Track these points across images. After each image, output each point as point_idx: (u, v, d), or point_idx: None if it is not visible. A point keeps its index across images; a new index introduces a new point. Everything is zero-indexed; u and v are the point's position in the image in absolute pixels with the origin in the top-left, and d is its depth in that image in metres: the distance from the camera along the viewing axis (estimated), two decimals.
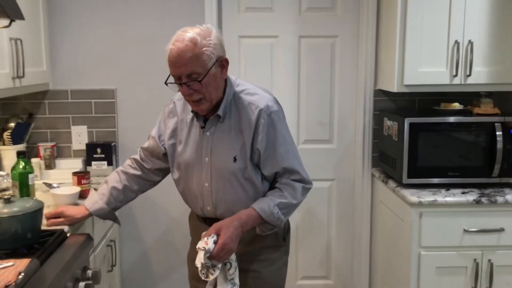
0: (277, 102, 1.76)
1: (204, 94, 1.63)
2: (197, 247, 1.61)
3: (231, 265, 1.67)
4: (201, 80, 1.59)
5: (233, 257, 1.67)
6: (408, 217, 2.34)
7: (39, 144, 2.70)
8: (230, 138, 1.70)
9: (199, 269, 1.62)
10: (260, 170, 1.73)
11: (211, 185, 1.73)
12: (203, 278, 1.64)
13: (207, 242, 1.60)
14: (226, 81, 1.71)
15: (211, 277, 1.63)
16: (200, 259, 1.59)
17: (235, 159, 1.69)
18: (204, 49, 1.58)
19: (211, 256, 1.60)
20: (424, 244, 2.30)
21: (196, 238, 1.91)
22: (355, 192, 2.96)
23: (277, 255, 1.82)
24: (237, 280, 1.68)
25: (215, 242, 1.60)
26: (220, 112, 1.69)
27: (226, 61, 1.66)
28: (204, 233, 1.65)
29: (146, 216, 2.92)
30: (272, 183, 1.77)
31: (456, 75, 2.46)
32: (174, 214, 2.89)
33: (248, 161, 1.69)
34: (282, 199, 1.70)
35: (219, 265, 1.63)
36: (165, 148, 1.82)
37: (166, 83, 1.65)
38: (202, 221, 1.83)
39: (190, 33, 1.59)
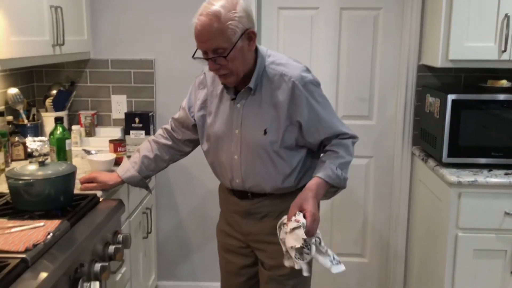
0: (309, 71, 1.71)
1: (231, 68, 1.60)
2: (287, 230, 1.55)
3: (320, 239, 1.61)
4: (227, 55, 1.56)
5: (318, 230, 1.62)
6: (446, 197, 2.25)
7: (80, 112, 2.77)
8: (261, 111, 1.68)
9: (293, 254, 1.54)
10: (296, 144, 1.70)
11: (241, 157, 1.72)
12: (298, 263, 1.55)
13: (298, 220, 1.54)
14: (256, 52, 1.68)
15: (308, 257, 1.57)
16: (299, 237, 1.52)
17: (265, 132, 1.67)
18: (229, 23, 1.54)
19: (306, 231, 1.54)
20: (462, 225, 2.22)
21: (225, 209, 1.92)
22: (393, 171, 2.88)
23: None
24: (331, 251, 1.62)
25: (304, 217, 1.55)
26: (251, 84, 1.66)
27: (254, 33, 1.62)
28: (283, 218, 1.60)
29: (182, 187, 2.95)
30: (317, 150, 1.75)
31: (505, 51, 2.33)
32: (210, 186, 2.90)
33: (280, 135, 1.67)
34: (340, 159, 1.68)
35: (313, 240, 1.57)
36: (194, 119, 1.82)
37: (193, 57, 1.64)
38: (231, 193, 1.83)
39: (215, 6, 1.54)
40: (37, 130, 2.52)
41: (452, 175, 2.22)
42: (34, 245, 1.35)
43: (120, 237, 1.79)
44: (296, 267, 1.59)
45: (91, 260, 1.55)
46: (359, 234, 2.98)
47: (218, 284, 2.96)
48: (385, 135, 2.87)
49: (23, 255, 1.30)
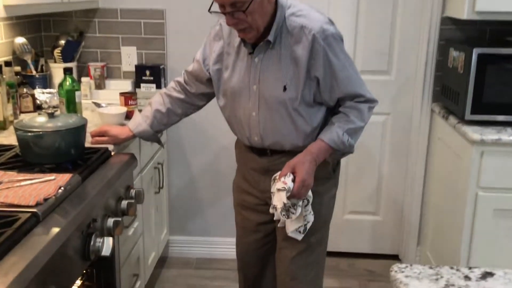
0: (332, 23, 1.61)
1: (250, 23, 1.51)
2: (275, 189, 1.55)
3: (308, 202, 1.61)
4: (246, 9, 1.47)
5: (310, 193, 1.61)
6: (468, 156, 2.18)
7: (90, 63, 2.68)
8: (280, 65, 1.59)
9: (279, 210, 1.55)
10: (314, 101, 1.62)
11: (259, 115, 1.64)
12: (283, 219, 1.59)
13: (285, 182, 1.53)
14: (276, 3, 1.57)
15: (293, 217, 1.58)
16: (281, 199, 1.53)
17: (284, 88, 1.59)
18: None
19: (291, 195, 1.54)
20: (482, 184, 2.15)
21: (242, 165, 1.86)
22: (411, 128, 2.80)
23: (326, 187, 1.75)
24: (310, 217, 1.63)
25: (293, 181, 1.54)
26: (270, 37, 1.57)
27: None
28: (277, 174, 1.59)
29: (194, 142, 2.90)
30: (334, 108, 1.67)
31: None
32: (223, 141, 2.85)
33: (300, 91, 1.58)
34: (350, 124, 1.61)
35: (300, 203, 1.58)
36: (209, 73, 1.74)
37: (209, 11, 1.54)
38: (249, 150, 1.77)
39: None
40: (46, 82, 2.45)
41: (475, 132, 2.14)
42: (45, 199, 1.30)
43: (132, 192, 1.75)
44: (275, 217, 1.62)
45: (104, 215, 1.51)
46: (374, 192, 2.93)
47: (230, 239, 2.96)
48: (404, 91, 2.77)
49: (34, 210, 1.25)
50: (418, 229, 2.88)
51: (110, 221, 1.51)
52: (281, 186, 1.53)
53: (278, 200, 1.54)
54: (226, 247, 2.96)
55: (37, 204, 1.28)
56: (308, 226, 1.64)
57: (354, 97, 1.63)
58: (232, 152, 2.84)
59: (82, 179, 1.52)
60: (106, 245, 1.41)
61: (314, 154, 1.58)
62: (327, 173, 1.74)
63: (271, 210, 1.63)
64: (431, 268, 1.08)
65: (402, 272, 1.06)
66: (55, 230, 1.23)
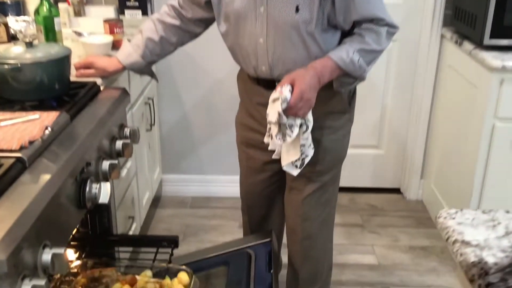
0: None
1: None
2: (271, 99, 1.36)
3: (307, 128, 1.42)
4: None
5: (310, 117, 1.41)
6: (485, 84, 2.03)
7: None
8: None
9: (273, 130, 1.39)
10: (328, 24, 1.42)
11: (267, 41, 1.44)
12: (278, 144, 1.42)
13: (281, 91, 1.34)
14: None
15: (289, 140, 1.40)
16: (275, 110, 1.34)
17: (297, 9, 1.37)
18: None
19: (288, 108, 1.34)
20: (501, 115, 2.02)
21: (247, 100, 1.67)
22: (419, 55, 2.62)
23: (341, 122, 1.59)
24: (309, 150, 1.46)
25: (291, 92, 1.34)
26: None
27: None
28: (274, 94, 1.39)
29: (186, 75, 2.69)
30: (349, 32, 1.47)
31: None
32: (218, 75, 2.65)
33: (315, 13, 1.37)
34: (363, 45, 1.41)
35: (298, 122, 1.39)
36: None
37: None
38: (255, 82, 1.58)
39: None
40: (19, 9, 2.19)
41: (494, 59, 1.98)
42: (30, 142, 1.12)
43: (127, 130, 1.57)
44: (270, 147, 1.47)
45: (98, 157, 1.33)
46: (376, 125, 2.79)
47: (227, 177, 2.84)
48: (411, 15, 2.56)
49: (18, 154, 1.07)
50: (422, 162, 2.78)
51: (106, 164, 1.34)
52: (276, 96, 1.35)
53: (273, 112, 1.36)
54: (222, 185, 2.83)
55: (22, 148, 1.10)
56: (306, 160, 1.47)
57: (373, 20, 1.43)
58: (228, 85, 2.66)
59: (70, 117, 1.33)
60: (104, 191, 1.24)
61: (317, 70, 1.38)
62: (341, 106, 1.57)
63: (265, 139, 1.48)
64: (484, 213, 0.95)
65: (453, 218, 0.93)
66: (45, 177, 1.06)
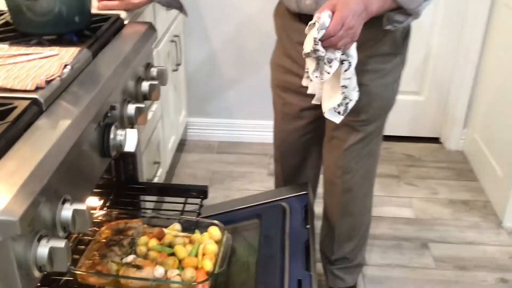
0: None
1: None
2: (307, 28, 1.18)
3: (349, 65, 1.21)
4: None
5: (353, 52, 1.21)
6: None
7: None
8: None
9: (308, 63, 1.22)
10: None
11: None
12: (315, 80, 1.24)
13: (319, 17, 1.15)
14: None
15: (327, 77, 1.20)
16: (312, 36, 1.15)
17: None
18: None
19: (326, 35, 1.14)
20: None
21: (285, 39, 1.49)
22: None
23: (391, 65, 1.41)
24: (353, 93, 1.26)
25: (331, 18, 1.14)
26: None
27: None
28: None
29: (214, 11, 2.50)
30: None
31: None
32: (248, 9, 2.45)
33: None
34: None
35: (337, 56, 1.18)
36: None
37: None
38: (296, 19, 1.40)
39: None
40: None
41: None
42: (47, 82, 0.99)
43: (154, 71, 1.42)
44: (309, 90, 1.33)
45: (123, 100, 1.20)
46: (418, 69, 2.59)
47: (256, 122, 2.69)
48: None
49: (34, 95, 0.94)
50: (465, 110, 2.59)
51: (131, 108, 1.21)
52: (313, 21, 1.15)
53: (308, 41, 1.17)
54: (251, 130, 2.70)
55: (37, 89, 0.96)
56: (350, 105, 1.28)
57: None
58: (259, 22, 2.46)
59: (92, 54, 1.19)
60: (130, 138, 1.12)
61: None
62: (393, 47, 1.39)
63: (304, 82, 1.33)
64: None
65: None
66: (65, 122, 0.93)
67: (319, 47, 1.15)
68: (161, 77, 1.42)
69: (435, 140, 2.75)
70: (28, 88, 0.95)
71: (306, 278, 1.28)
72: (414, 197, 2.32)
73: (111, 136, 1.08)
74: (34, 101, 0.93)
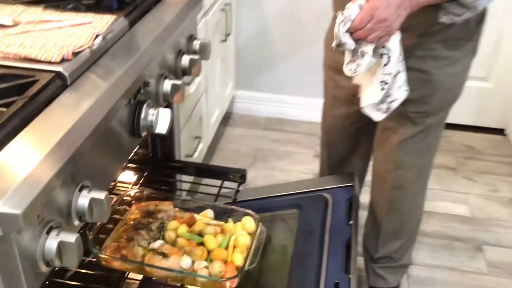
0: None
1: None
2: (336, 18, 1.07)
3: (389, 59, 1.10)
4: None
5: (394, 46, 1.09)
6: None
7: None
8: None
9: (346, 53, 1.11)
10: None
11: None
12: (348, 74, 1.14)
13: (348, 7, 1.06)
14: None
15: (359, 70, 1.10)
16: (337, 28, 1.07)
17: None
18: None
19: (352, 28, 1.05)
20: None
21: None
22: None
23: (461, 53, 1.25)
24: (398, 92, 1.13)
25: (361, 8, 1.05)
26: None
27: None
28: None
29: None
30: None
31: None
32: None
33: None
34: None
35: (369, 50, 1.08)
36: None
37: None
38: None
39: None
40: None
41: None
42: (75, 54, 0.90)
43: (196, 44, 1.32)
44: (354, 80, 1.21)
45: (159, 76, 1.11)
46: (488, 53, 2.37)
47: (306, 99, 2.56)
48: None
49: (58, 68, 0.86)
50: None
51: (168, 85, 1.11)
52: (341, 12, 1.07)
53: (336, 33, 1.09)
54: (300, 107, 2.58)
55: (63, 60, 0.88)
56: (395, 105, 1.16)
57: None
58: None
59: (129, 23, 1.09)
60: (163, 118, 1.03)
61: None
62: (465, 31, 1.22)
63: (345, 70, 1.16)
64: None
65: None
66: (91, 98, 0.85)
67: (347, 39, 1.07)
68: (204, 51, 1.32)
69: (500, 131, 2.53)
70: (53, 59, 0.87)
71: (344, 281, 1.17)
72: (471, 193, 2.15)
73: (142, 115, 1.00)
74: (58, 75, 0.86)
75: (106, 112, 0.86)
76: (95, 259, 1.09)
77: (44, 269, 0.71)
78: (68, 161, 0.73)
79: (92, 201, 0.79)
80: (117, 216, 1.21)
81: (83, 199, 0.78)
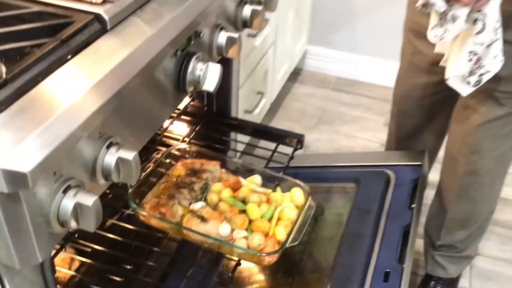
0: None
1: None
2: None
3: (484, 26, 0.95)
4: None
5: (492, 11, 0.93)
6: None
7: None
8: None
9: (432, 15, 0.97)
10: None
11: None
12: (433, 40, 0.99)
13: None
14: None
15: (448, 37, 0.97)
16: None
17: None
18: None
19: None
20: None
21: None
22: None
23: None
24: (492, 63, 0.99)
25: None
26: None
27: None
28: None
29: None
30: None
31: None
32: None
33: None
34: None
35: (463, 14, 0.93)
36: None
37: None
38: None
39: None
40: None
41: None
42: None
43: None
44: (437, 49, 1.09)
45: (215, 26, 1.01)
46: None
47: (381, 61, 2.37)
48: None
49: (98, 10, 0.78)
50: None
51: (223, 37, 1.01)
52: None
53: None
54: (375, 69, 2.40)
55: (105, 2, 0.80)
56: (486, 77, 1.01)
57: None
58: None
59: None
60: (211, 75, 0.93)
61: None
62: None
63: (428, 35, 1.03)
64: None
65: None
66: (132, 44, 0.77)
67: (441, 7, 0.93)
68: (269, 1, 1.19)
69: None
70: (93, 1, 0.79)
71: (396, 271, 1.06)
72: None
73: (189, 69, 0.91)
74: (97, 17, 0.78)
75: (147, 62, 0.77)
76: (133, 213, 1.05)
77: (59, 230, 0.66)
78: (95, 114, 0.66)
79: (120, 160, 0.72)
80: (162, 170, 1.15)
81: (110, 157, 0.71)
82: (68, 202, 0.65)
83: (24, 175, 0.56)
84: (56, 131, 0.61)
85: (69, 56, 0.71)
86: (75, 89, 0.67)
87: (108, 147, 0.72)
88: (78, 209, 0.65)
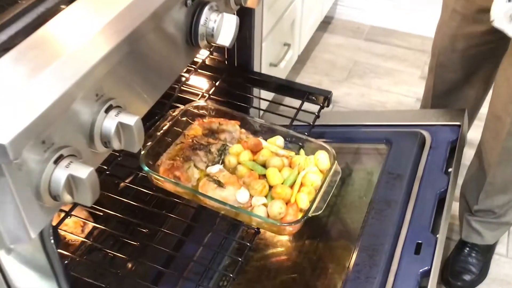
0: None
1: None
2: None
3: None
4: None
5: None
6: None
7: None
8: None
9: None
10: None
11: None
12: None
13: None
14: None
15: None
16: None
17: None
18: None
19: None
20: None
21: None
22: None
23: None
24: None
25: None
26: None
27: None
28: None
29: None
30: None
31: None
32: None
33: None
34: None
35: None
36: None
37: None
38: None
39: None
40: None
41: None
42: None
43: None
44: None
45: None
46: None
47: (420, 8, 2.19)
48: None
49: None
50: None
51: None
52: None
53: None
54: (413, 17, 2.23)
55: None
56: None
57: None
58: None
59: None
60: (227, 27, 0.84)
61: None
62: None
63: None
64: None
65: None
66: None
67: None
68: None
69: None
70: None
71: (429, 242, 0.98)
72: None
73: (202, 20, 0.81)
74: None
75: (151, 13, 0.69)
76: (146, 175, 0.99)
77: (52, 203, 0.59)
78: (90, 73, 0.59)
79: (120, 125, 0.64)
80: (178, 129, 1.08)
81: (109, 122, 0.64)
82: (60, 174, 0.58)
83: (3, 147, 0.49)
84: (45, 91, 0.54)
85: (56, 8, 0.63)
86: (75, 35, 0.60)
87: (107, 110, 0.64)
88: (71, 181, 0.58)
